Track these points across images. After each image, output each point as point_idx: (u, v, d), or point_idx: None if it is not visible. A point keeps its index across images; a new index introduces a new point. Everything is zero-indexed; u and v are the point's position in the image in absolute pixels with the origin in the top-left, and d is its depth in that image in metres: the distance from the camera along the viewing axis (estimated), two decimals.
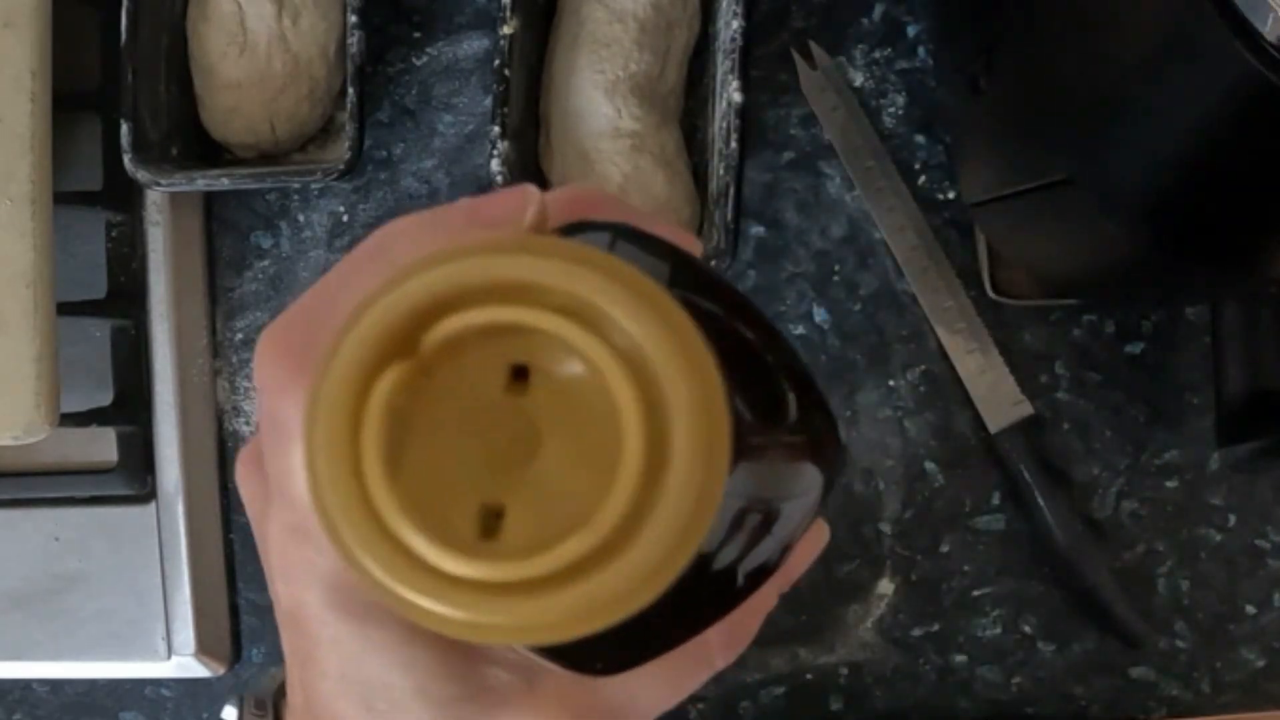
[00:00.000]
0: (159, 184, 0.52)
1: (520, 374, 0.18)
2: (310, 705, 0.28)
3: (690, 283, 0.24)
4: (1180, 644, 0.55)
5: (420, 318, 0.18)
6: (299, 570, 0.25)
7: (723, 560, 0.24)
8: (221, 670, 0.58)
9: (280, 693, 0.35)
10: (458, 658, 0.26)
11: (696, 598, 0.24)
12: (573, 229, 0.25)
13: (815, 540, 0.30)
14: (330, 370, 0.18)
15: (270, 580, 0.26)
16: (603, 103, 0.51)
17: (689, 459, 0.17)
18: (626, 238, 0.24)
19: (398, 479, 0.18)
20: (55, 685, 0.61)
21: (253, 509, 0.27)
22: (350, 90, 0.52)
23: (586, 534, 0.17)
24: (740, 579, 0.24)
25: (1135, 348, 0.54)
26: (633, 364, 0.17)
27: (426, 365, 0.18)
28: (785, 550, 0.25)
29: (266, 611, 0.59)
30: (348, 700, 0.26)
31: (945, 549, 0.55)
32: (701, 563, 0.23)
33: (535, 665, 0.26)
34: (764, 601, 0.28)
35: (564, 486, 0.18)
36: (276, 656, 0.56)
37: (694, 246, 0.28)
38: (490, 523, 0.18)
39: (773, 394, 0.24)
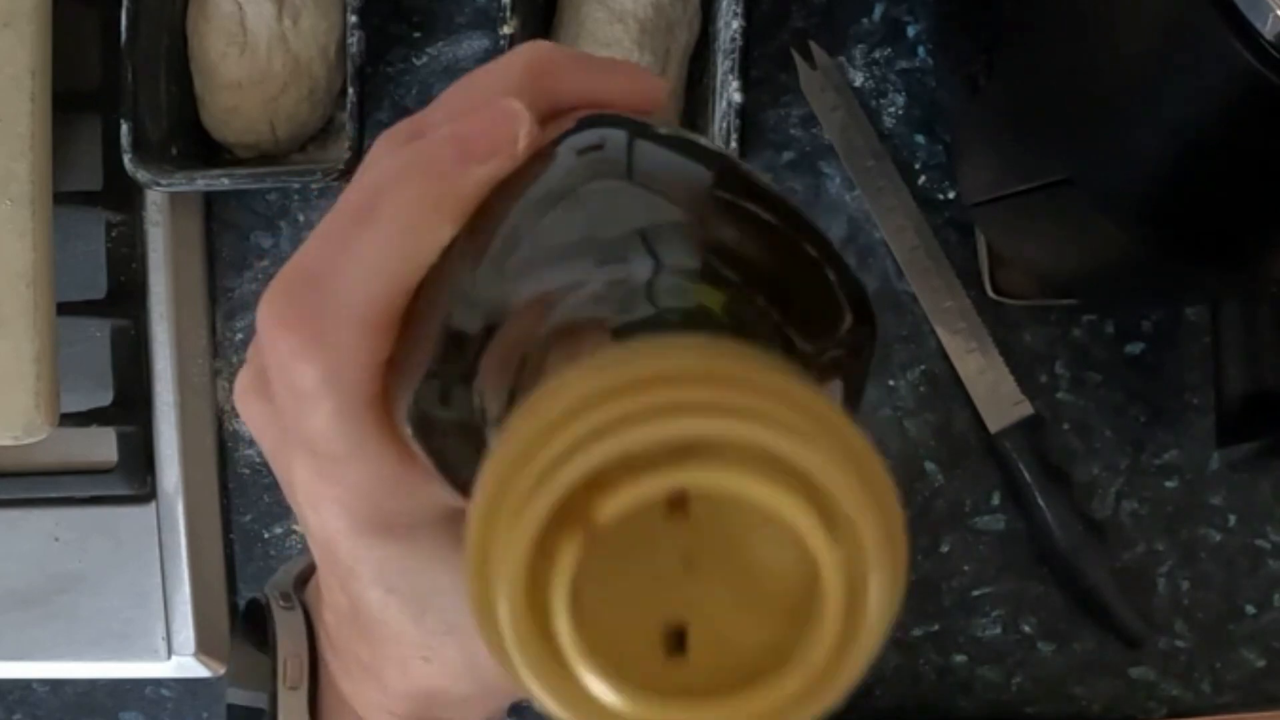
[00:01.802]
0: (159, 184, 0.52)
1: (681, 501, 0.17)
2: (359, 613, 0.28)
3: (735, 186, 0.23)
4: (1180, 644, 0.55)
5: (591, 485, 0.17)
6: (327, 504, 0.25)
7: None
8: (221, 670, 0.58)
9: (300, 582, 0.35)
10: None
11: None
12: (579, 127, 0.24)
13: None
14: (498, 553, 0.17)
15: (295, 506, 0.27)
16: None
17: (883, 616, 0.17)
18: (645, 136, 0.23)
19: (581, 628, 0.17)
20: (55, 685, 0.61)
21: (265, 436, 0.26)
22: (350, 90, 0.52)
23: (782, 682, 0.17)
24: None
25: (1135, 348, 0.54)
26: (831, 520, 0.17)
27: (600, 525, 0.17)
28: None
29: None
30: (399, 608, 0.27)
31: (945, 549, 0.55)
32: None
33: None
34: None
35: (739, 612, 0.17)
36: None
37: (658, 90, 0.27)
38: (675, 640, 0.17)
39: (830, 303, 0.23)
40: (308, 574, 0.36)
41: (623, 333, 0.20)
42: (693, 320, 0.21)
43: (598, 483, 0.16)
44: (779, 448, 0.16)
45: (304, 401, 0.24)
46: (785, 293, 0.23)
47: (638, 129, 0.24)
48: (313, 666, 0.33)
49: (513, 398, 0.21)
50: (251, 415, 0.26)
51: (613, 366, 0.17)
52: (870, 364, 0.24)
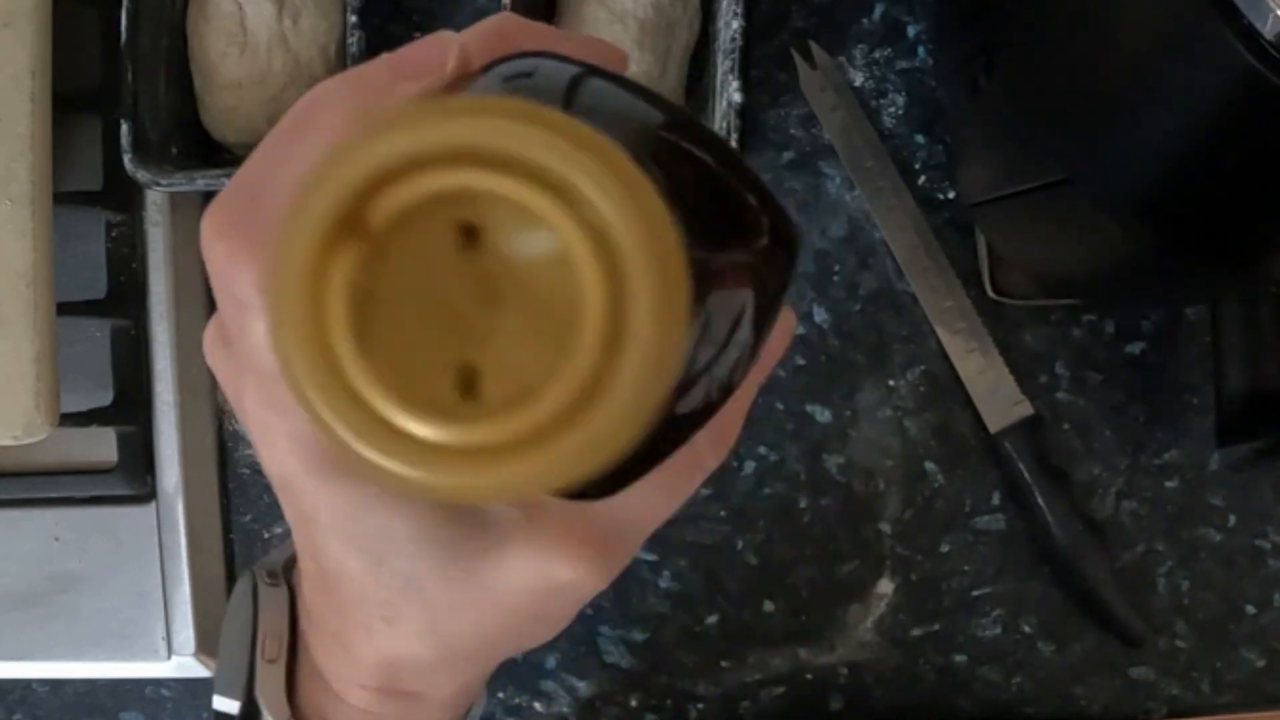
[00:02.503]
0: (159, 184, 0.52)
1: (472, 234, 0.18)
2: (322, 569, 0.29)
3: (662, 121, 0.24)
4: (1180, 644, 0.55)
5: (370, 189, 0.18)
6: (281, 440, 0.26)
7: (695, 374, 0.24)
8: None
9: (290, 564, 0.35)
10: None
11: (674, 414, 0.24)
12: (512, 57, 0.25)
13: (784, 329, 0.31)
14: (285, 255, 0.18)
15: (256, 450, 0.27)
16: None
17: (650, 324, 0.17)
18: (592, 73, 0.24)
19: (368, 353, 0.18)
20: (55, 685, 0.61)
21: (227, 386, 0.27)
22: None
23: (551, 393, 0.17)
24: (715, 387, 0.25)
25: (1135, 348, 0.54)
26: (591, 227, 0.17)
27: (381, 236, 0.18)
28: (756, 348, 0.26)
29: None
30: (357, 557, 0.27)
31: (945, 549, 0.55)
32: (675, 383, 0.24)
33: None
34: (744, 396, 0.29)
35: (532, 342, 0.18)
36: None
37: (620, 60, 0.28)
38: (469, 381, 0.18)
39: (743, 220, 0.25)
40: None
41: None
42: None
43: (374, 192, 0.17)
44: (541, 157, 0.17)
45: (243, 312, 0.24)
46: (689, 200, 0.23)
47: (571, 63, 0.24)
48: (294, 643, 0.33)
49: None
50: (216, 365, 0.27)
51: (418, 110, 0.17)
52: (785, 289, 0.26)
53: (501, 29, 0.26)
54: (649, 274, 0.17)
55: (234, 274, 0.24)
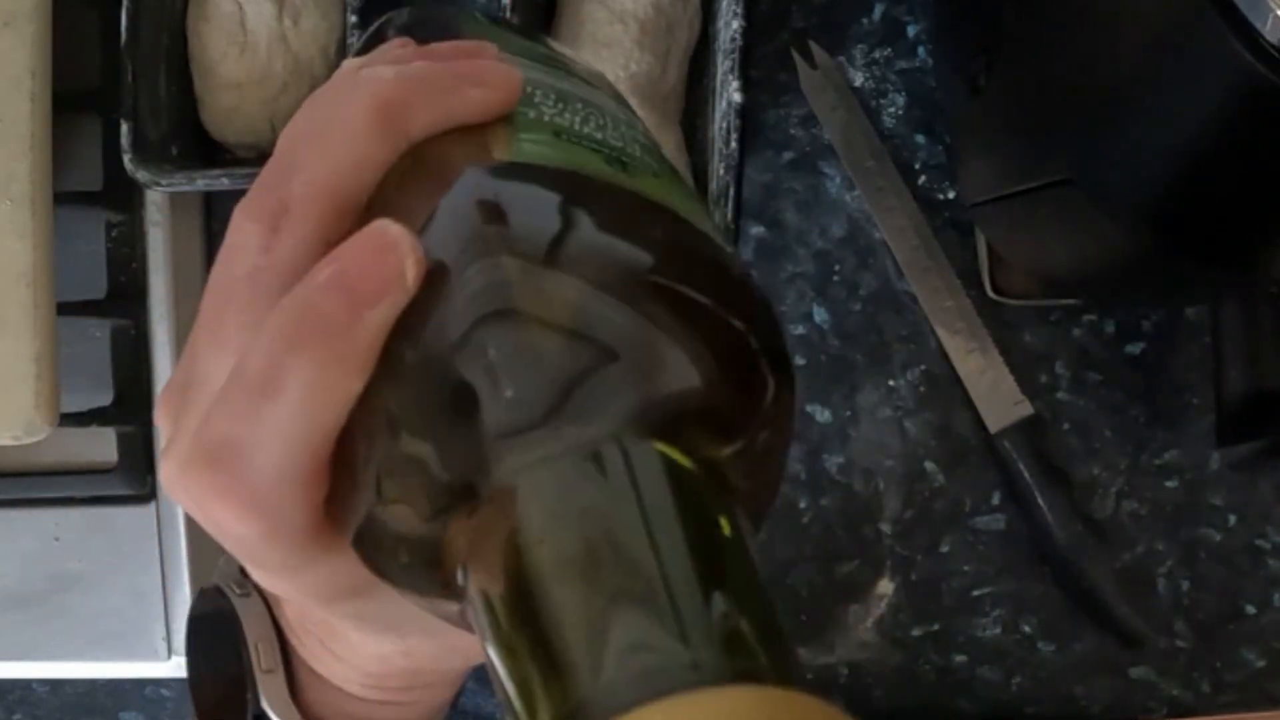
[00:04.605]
0: (159, 184, 0.52)
1: None
2: (334, 632, 0.30)
3: (649, 259, 0.22)
4: (1180, 644, 0.55)
5: None
6: (286, 589, 0.26)
7: None
8: None
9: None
10: None
11: None
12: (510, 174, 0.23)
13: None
14: None
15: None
16: None
17: None
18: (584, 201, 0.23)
19: None
20: (55, 685, 0.61)
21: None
22: None
23: None
24: None
25: (1135, 348, 0.54)
26: None
27: None
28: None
29: None
30: (375, 631, 0.28)
31: (945, 549, 0.55)
32: None
33: None
34: None
35: None
36: None
37: (512, 84, 0.26)
38: None
39: (758, 379, 0.23)
40: None
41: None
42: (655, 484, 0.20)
43: None
44: None
45: (250, 549, 0.24)
46: (722, 405, 0.22)
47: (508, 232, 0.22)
48: (283, 648, 0.33)
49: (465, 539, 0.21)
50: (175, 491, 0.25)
51: None
52: (793, 417, 0.24)
53: (386, 107, 0.25)
54: None
55: (239, 528, 0.23)
